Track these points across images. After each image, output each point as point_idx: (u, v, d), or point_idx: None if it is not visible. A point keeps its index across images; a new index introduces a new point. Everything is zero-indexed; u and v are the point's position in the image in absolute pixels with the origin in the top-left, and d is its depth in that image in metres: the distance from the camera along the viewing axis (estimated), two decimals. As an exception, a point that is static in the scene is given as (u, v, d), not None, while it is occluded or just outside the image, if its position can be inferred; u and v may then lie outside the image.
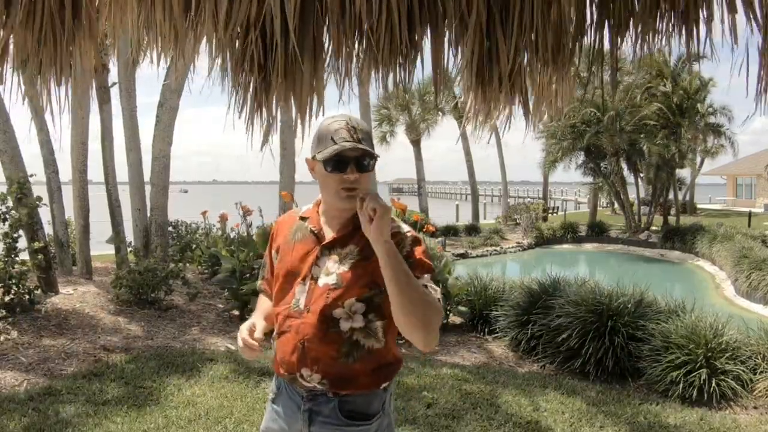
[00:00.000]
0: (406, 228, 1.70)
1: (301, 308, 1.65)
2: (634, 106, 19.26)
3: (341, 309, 1.62)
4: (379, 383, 1.67)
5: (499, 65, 1.79)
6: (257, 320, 1.77)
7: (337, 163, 1.59)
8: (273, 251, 1.81)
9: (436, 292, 1.60)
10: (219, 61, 1.85)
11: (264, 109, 1.90)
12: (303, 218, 1.76)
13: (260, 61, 1.81)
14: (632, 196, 23.44)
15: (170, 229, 10.42)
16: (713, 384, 4.31)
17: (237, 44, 1.80)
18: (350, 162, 1.59)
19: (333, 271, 1.64)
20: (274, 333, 1.74)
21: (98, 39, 1.89)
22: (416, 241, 1.66)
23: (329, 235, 1.68)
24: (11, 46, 1.82)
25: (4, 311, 5.43)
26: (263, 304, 1.87)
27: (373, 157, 1.63)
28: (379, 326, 1.65)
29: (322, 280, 1.64)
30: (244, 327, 1.71)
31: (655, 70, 19.13)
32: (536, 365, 5.28)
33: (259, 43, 1.75)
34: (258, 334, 1.70)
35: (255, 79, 1.85)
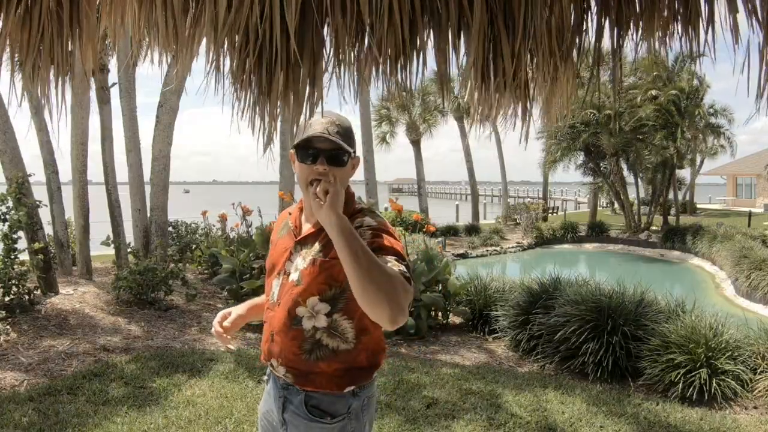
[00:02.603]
0: (370, 222, 1.61)
1: (274, 301, 1.71)
2: (633, 106, 19.27)
3: (303, 307, 1.63)
4: (342, 386, 1.63)
5: (503, 65, 1.79)
6: (236, 309, 1.88)
7: (307, 153, 1.59)
8: (270, 247, 1.89)
9: (397, 265, 1.48)
10: (219, 61, 1.85)
11: (265, 110, 1.90)
12: (290, 214, 1.82)
13: (260, 62, 1.81)
14: (632, 196, 23.46)
15: (170, 229, 10.41)
16: (713, 384, 4.31)
17: (237, 44, 1.80)
18: (321, 154, 1.58)
19: (299, 267, 1.66)
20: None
21: (97, 39, 1.89)
22: (382, 233, 1.57)
23: (305, 231, 1.71)
24: (8, 46, 1.82)
25: (4, 312, 5.43)
26: (256, 297, 1.96)
27: (346, 152, 1.61)
28: (347, 327, 1.62)
29: (291, 276, 1.68)
30: (219, 314, 1.84)
31: (654, 73, 19.13)
32: (536, 365, 5.28)
33: (259, 44, 1.75)
34: (226, 322, 1.83)
35: (255, 79, 1.85)
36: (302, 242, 1.69)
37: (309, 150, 1.59)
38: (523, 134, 1.94)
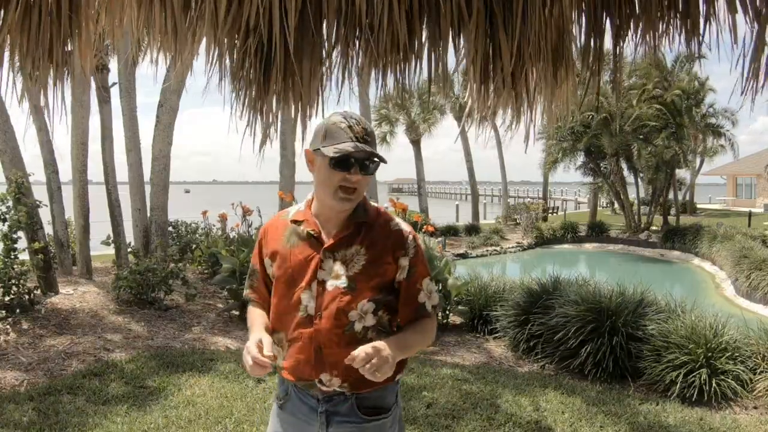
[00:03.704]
0: (404, 226, 1.69)
1: (311, 314, 1.62)
2: (632, 106, 19.28)
3: (354, 311, 1.61)
4: (394, 376, 1.66)
5: (502, 65, 1.79)
6: (261, 335, 1.63)
7: (344, 162, 1.56)
8: (265, 258, 1.74)
9: (431, 295, 1.69)
10: (219, 61, 1.85)
11: (264, 109, 1.90)
12: (296, 221, 1.70)
13: (260, 61, 1.81)
14: (632, 196, 23.45)
15: (170, 229, 10.41)
16: (713, 384, 4.31)
17: (237, 44, 1.80)
18: (355, 163, 1.57)
19: (342, 273, 1.61)
20: (280, 342, 1.69)
21: (96, 39, 1.89)
22: (416, 242, 1.69)
23: (329, 237, 1.64)
24: (8, 46, 1.82)
25: (4, 312, 5.44)
26: (258, 316, 1.75)
27: (380, 161, 1.61)
28: (388, 320, 1.67)
29: (331, 284, 1.61)
30: (252, 345, 1.57)
31: (654, 74, 19.13)
32: (536, 365, 5.28)
33: (258, 43, 1.75)
34: (267, 350, 1.57)
35: (255, 78, 1.85)
36: (333, 248, 1.63)
37: (344, 158, 1.56)
38: (515, 132, 1.94)
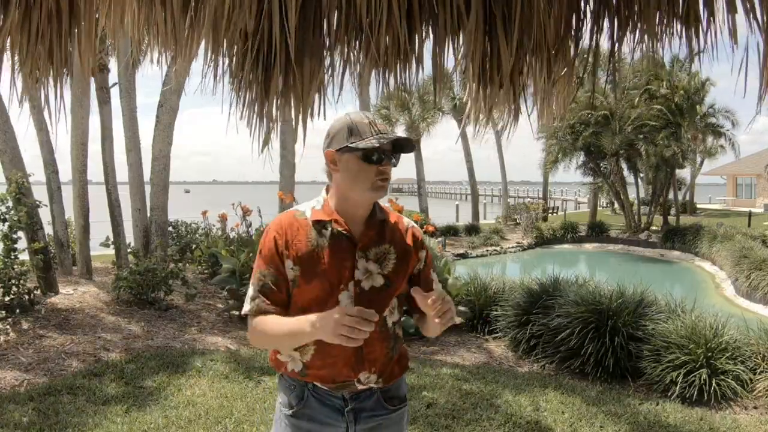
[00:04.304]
0: (412, 223, 1.80)
1: None
2: (633, 107, 19.29)
3: (388, 308, 1.68)
4: (406, 366, 1.78)
5: (500, 65, 1.79)
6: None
7: (380, 154, 1.59)
8: (287, 260, 1.62)
9: (438, 282, 1.78)
10: (219, 61, 1.85)
11: (264, 110, 1.90)
12: (319, 221, 1.64)
13: (260, 61, 1.81)
14: (632, 196, 23.46)
15: (170, 229, 10.42)
16: (713, 384, 4.31)
17: (237, 44, 1.80)
18: (387, 154, 1.62)
19: (376, 272, 1.64)
20: (304, 347, 1.63)
21: (96, 39, 1.89)
22: (420, 238, 1.79)
23: (359, 235, 1.65)
24: (9, 46, 1.82)
25: (4, 312, 5.44)
26: (284, 318, 1.60)
27: (414, 148, 1.68)
28: (404, 315, 1.77)
29: (367, 283, 1.63)
30: (339, 311, 1.43)
31: (653, 72, 19.14)
32: (536, 365, 5.28)
33: (258, 43, 1.75)
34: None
35: (255, 79, 1.85)
36: (366, 247, 1.65)
37: (380, 153, 1.60)
38: (513, 134, 1.94)
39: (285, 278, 1.63)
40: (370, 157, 1.58)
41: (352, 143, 1.58)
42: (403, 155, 1.67)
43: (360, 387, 1.65)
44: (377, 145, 1.57)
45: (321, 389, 1.66)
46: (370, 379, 1.65)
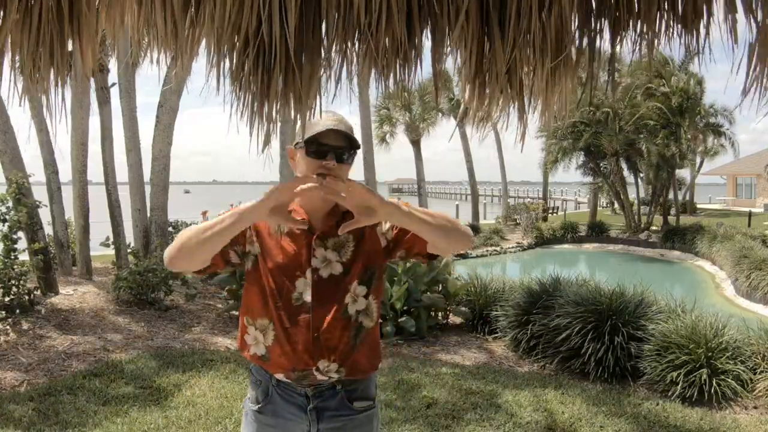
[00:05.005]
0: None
1: (307, 302, 1.63)
2: (633, 106, 19.29)
3: (349, 294, 1.65)
4: (375, 365, 1.72)
5: (497, 64, 1.79)
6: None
7: (319, 149, 1.60)
8: (252, 232, 1.71)
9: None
10: (218, 61, 1.85)
11: (264, 110, 1.90)
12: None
13: (260, 62, 1.81)
14: (632, 196, 23.46)
15: (170, 229, 10.42)
16: (713, 384, 4.31)
17: (237, 44, 1.80)
18: (330, 150, 1.60)
19: (335, 260, 1.65)
20: (264, 329, 1.68)
21: (97, 39, 1.89)
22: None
23: (318, 225, 1.67)
24: (9, 46, 1.82)
25: (4, 312, 5.44)
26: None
27: (353, 150, 1.65)
28: (374, 306, 1.70)
29: (326, 271, 1.64)
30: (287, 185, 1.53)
31: (653, 72, 19.14)
32: (536, 365, 5.28)
33: (258, 44, 1.75)
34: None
35: (255, 79, 1.85)
36: (324, 236, 1.66)
37: (320, 146, 1.61)
38: (519, 133, 1.94)
39: (241, 245, 1.69)
40: (310, 151, 1.61)
41: (302, 138, 1.63)
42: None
43: (320, 377, 1.62)
44: (313, 135, 1.59)
45: (284, 384, 1.68)
46: (330, 369, 1.62)
